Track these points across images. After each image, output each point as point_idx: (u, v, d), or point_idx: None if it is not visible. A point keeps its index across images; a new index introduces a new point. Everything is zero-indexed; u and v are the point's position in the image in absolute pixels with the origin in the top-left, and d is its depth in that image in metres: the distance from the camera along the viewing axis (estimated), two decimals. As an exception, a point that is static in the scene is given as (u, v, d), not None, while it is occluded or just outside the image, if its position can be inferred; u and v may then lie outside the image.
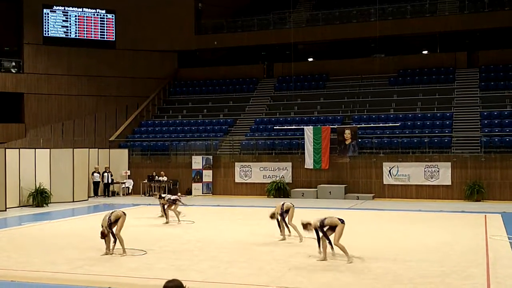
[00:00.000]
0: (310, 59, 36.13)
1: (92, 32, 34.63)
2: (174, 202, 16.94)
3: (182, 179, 28.12)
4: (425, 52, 34.33)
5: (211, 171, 27.63)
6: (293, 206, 13.80)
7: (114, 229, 11.86)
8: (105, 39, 34.88)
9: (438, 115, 27.86)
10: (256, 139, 28.32)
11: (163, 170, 27.43)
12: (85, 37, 34.44)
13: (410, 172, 24.93)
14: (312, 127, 26.83)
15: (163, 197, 17.26)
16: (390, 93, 30.43)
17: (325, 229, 11.01)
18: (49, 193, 22.90)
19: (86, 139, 32.00)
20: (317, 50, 36.57)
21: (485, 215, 18.39)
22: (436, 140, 25.64)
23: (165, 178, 26.92)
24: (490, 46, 31.86)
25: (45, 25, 33.54)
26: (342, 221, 11.11)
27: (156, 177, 27.08)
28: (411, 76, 31.69)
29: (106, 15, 34.92)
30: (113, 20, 34.96)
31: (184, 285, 4.95)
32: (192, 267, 10.77)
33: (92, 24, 34.63)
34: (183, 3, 35.42)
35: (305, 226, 11.30)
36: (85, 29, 34.49)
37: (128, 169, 28.59)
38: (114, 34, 34.96)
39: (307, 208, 21.31)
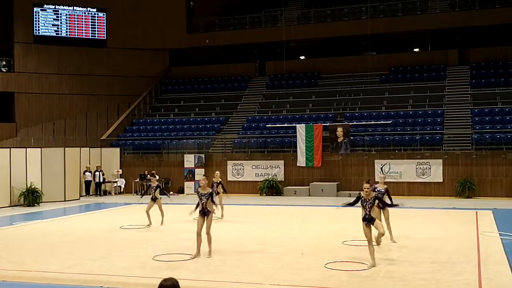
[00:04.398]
0: (302, 57, 36.15)
1: (83, 31, 34.45)
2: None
3: (174, 178, 28.11)
4: (416, 49, 34.44)
5: (203, 169, 27.58)
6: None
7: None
8: (96, 37, 34.72)
9: (430, 112, 27.95)
10: (248, 137, 28.32)
11: (155, 169, 27.36)
12: (76, 36, 34.25)
13: (402, 169, 25.03)
14: (304, 125, 26.86)
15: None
16: (381, 90, 30.49)
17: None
18: (41, 193, 22.79)
19: (78, 138, 31.85)
20: (309, 48, 36.58)
21: (476, 212, 18.50)
22: (427, 137, 25.75)
23: (156, 177, 26.79)
24: (481, 43, 32.00)
25: (36, 23, 33.34)
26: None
27: (148, 175, 26.97)
28: (403, 73, 31.77)
29: (97, 14, 34.75)
30: (104, 19, 34.80)
31: None
32: (184, 265, 10.76)
33: (83, 23, 34.45)
34: (175, 2, 35.27)
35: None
36: (76, 28, 34.31)
37: (120, 168, 28.52)
38: (105, 32, 34.79)
39: (299, 206, 21.40)
